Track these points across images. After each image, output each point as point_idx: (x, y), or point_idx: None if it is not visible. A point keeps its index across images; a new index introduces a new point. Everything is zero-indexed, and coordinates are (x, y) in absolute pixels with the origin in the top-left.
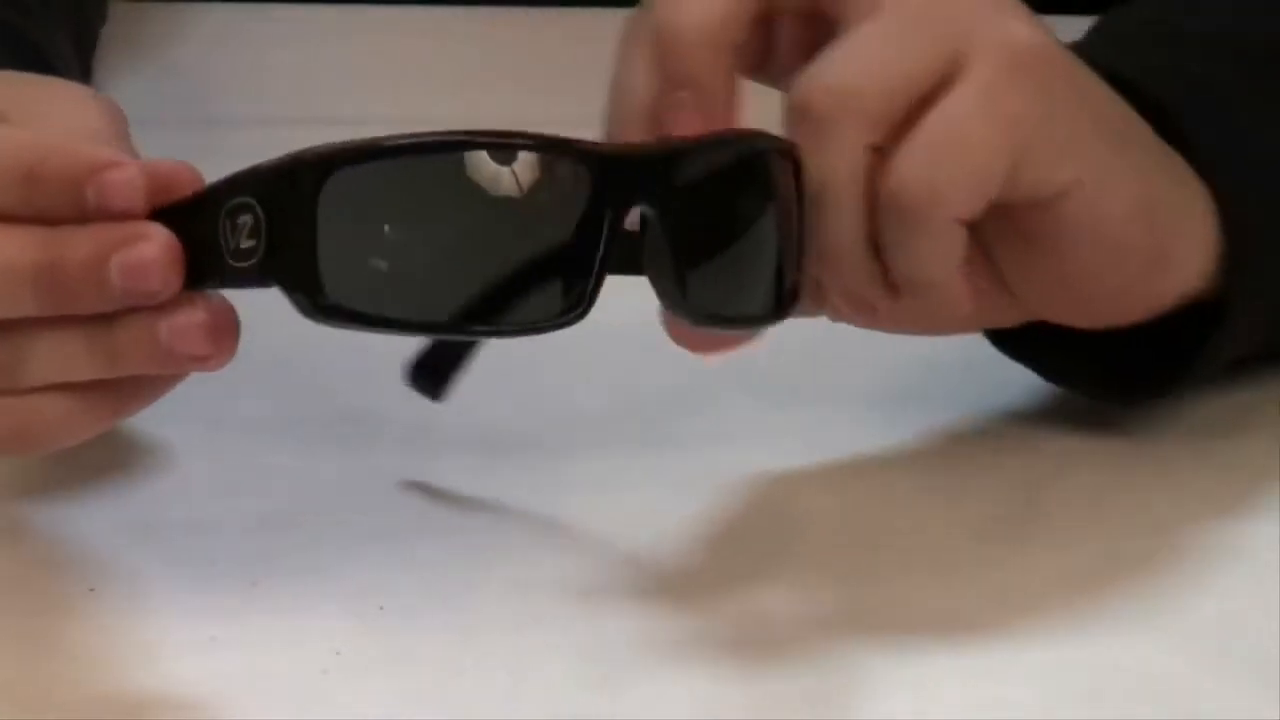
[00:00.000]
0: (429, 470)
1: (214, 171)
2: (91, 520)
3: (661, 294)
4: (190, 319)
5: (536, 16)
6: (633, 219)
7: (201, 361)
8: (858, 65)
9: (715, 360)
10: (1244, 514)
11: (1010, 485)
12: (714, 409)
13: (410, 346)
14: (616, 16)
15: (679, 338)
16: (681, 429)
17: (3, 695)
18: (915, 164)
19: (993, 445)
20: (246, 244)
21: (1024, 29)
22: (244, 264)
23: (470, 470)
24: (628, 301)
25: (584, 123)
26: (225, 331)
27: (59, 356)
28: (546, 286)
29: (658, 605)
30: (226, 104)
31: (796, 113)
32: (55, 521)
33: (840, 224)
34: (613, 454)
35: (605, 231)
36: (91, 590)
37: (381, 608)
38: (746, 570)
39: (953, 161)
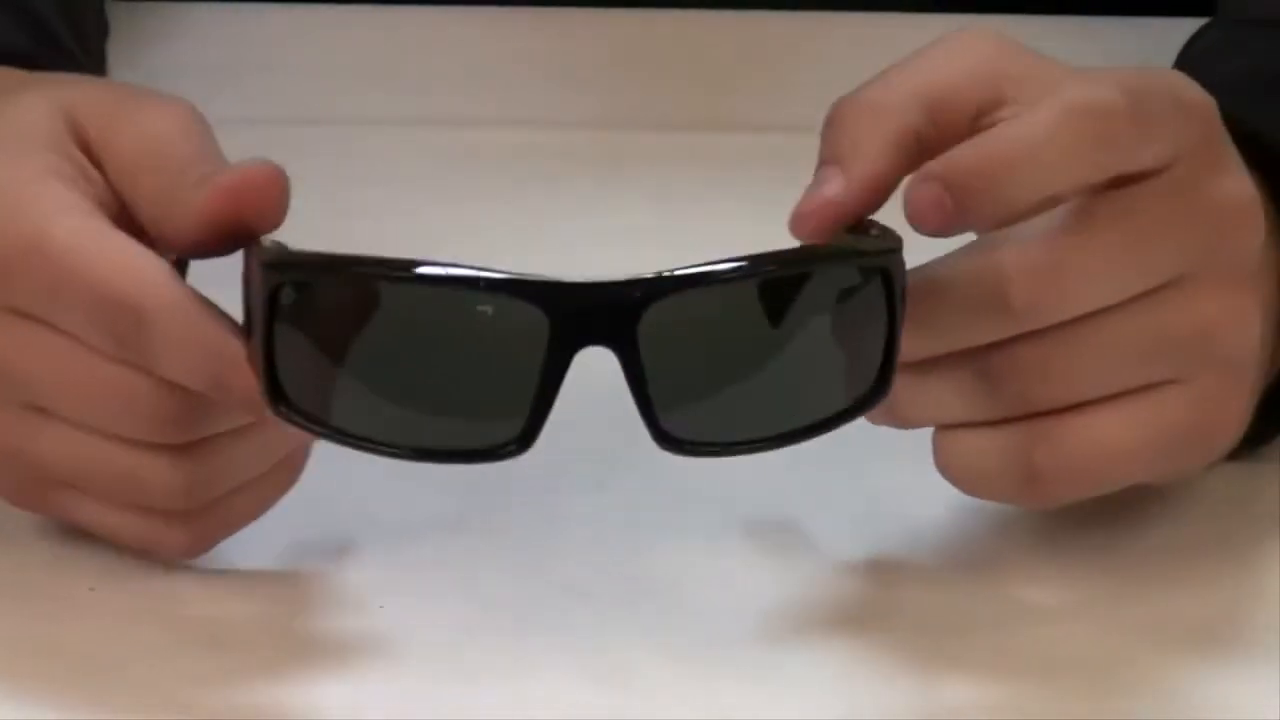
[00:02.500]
0: (429, 470)
1: None
2: None
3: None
4: None
5: (537, 16)
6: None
7: None
8: (1083, 279)
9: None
10: (1245, 513)
11: None
12: None
13: None
14: (617, 16)
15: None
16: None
17: (3, 695)
18: (1062, 479)
19: None
20: None
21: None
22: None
23: (470, 470)
24: None
25: (584, 122)
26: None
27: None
28: (496, 416)
29: (658, 605)
30: (226, 104)
31: (990, 286)
32: (55, 522)
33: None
34: (613, 453)
35: (555, 372)
36: (91, 590)
37: (381, 607)
38: (749, 570)
39: (1096, 478)
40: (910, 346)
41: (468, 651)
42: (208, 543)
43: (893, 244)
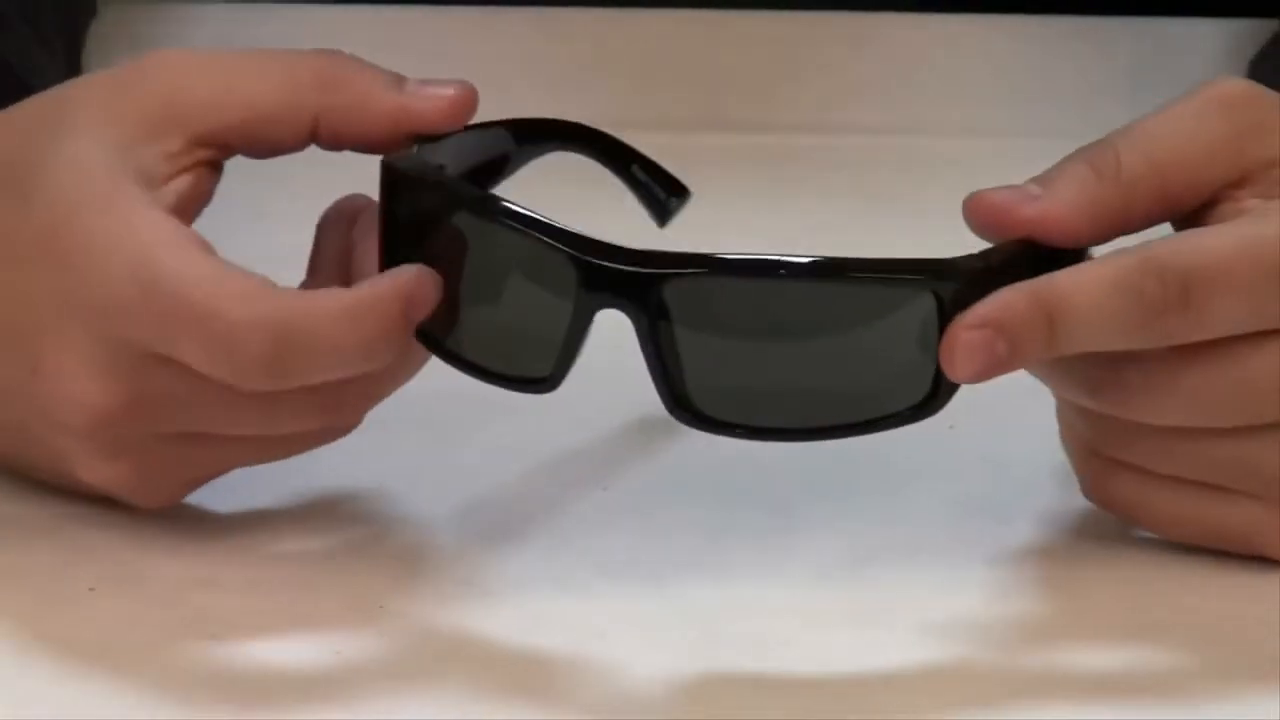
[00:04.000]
0: (429, 470)
1: None
2: (91, 520)
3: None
4: None
5: (537, 16)
6: None
7: None
8: (1184, 401)
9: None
10: None
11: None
12: None
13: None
14: (617, 16)
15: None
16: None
17: (3, 694)
18: (1105, 504)
19: None
20: None
21: None
22: None
23: (470, 470)
24: None
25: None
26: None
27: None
28: (533, 350)
29: (659, 605)
30: None
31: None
32: (55, 521)
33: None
34: (613, 454)
35: (580, 323)
36: (91, 590)
37: (381, 607)
38: (750, 570)
39: (1132, 521)
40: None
41: (468, 651)
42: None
43: (970, 265)
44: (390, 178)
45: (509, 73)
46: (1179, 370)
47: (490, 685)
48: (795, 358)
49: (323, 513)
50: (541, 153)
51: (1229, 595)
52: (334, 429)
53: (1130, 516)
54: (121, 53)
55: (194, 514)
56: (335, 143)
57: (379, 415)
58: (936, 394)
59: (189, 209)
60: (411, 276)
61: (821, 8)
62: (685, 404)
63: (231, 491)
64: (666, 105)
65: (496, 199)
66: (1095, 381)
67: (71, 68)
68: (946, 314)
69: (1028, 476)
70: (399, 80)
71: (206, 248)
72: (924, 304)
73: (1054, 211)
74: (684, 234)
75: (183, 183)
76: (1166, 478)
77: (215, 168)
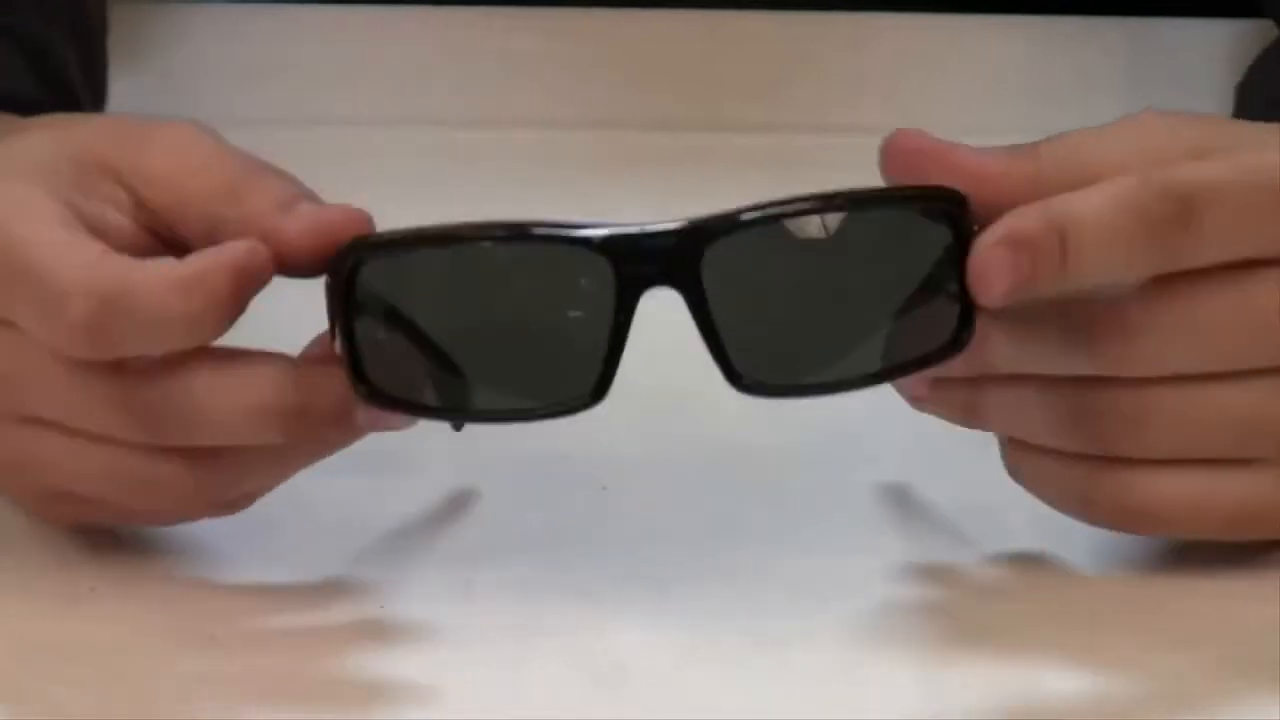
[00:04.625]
0: (429, 470)
1: None
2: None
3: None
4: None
5: (537, 16)
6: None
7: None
8: (1169, 346)
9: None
10: None
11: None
12: (712, 404)
13: None
14: (617, 16)
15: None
16: (685, 424)
17: (3, 695)
18: (1114, 517)
19: None
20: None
21: None
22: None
23: (470, 470)
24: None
25: (584, 122)
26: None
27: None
28: (569, 370)
29: (659, 605)
30: (226, 104)
31: (1078, 327)
32: (54, 521)
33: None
34: (613, 454)
35: (623, 318)
36: (91, 590)
37: (381, 607)
38: (751, 570)
39: (1148, 527)
40: (1005, 358)
41: (468, 651)
42: (237, 510)
43: (959, 195)
44: (353, 257)
45: (509, 73)
46: (1182, 302)
47: (490, 686)
48: (832, 307)
49: (322, 514)
50: None
51: (1229, 595)
52: (200, 494)
53: (1146, 519)
54: (124, 53)
55: None
56: None
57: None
58: (966, 325)
59: (90, 225)
60: (242, 250)
61: (821, 8)
62: (741, 374)
63: None
64: (666, 105)
65: (504, 223)
66: (1098, 323)
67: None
68: (963, 239)
69: None
70: (292, 201)
71: (67, 223)
72: (942, 231)
73: (994, 166)
74: None
75: (94, 207)
76: (1176, 464)
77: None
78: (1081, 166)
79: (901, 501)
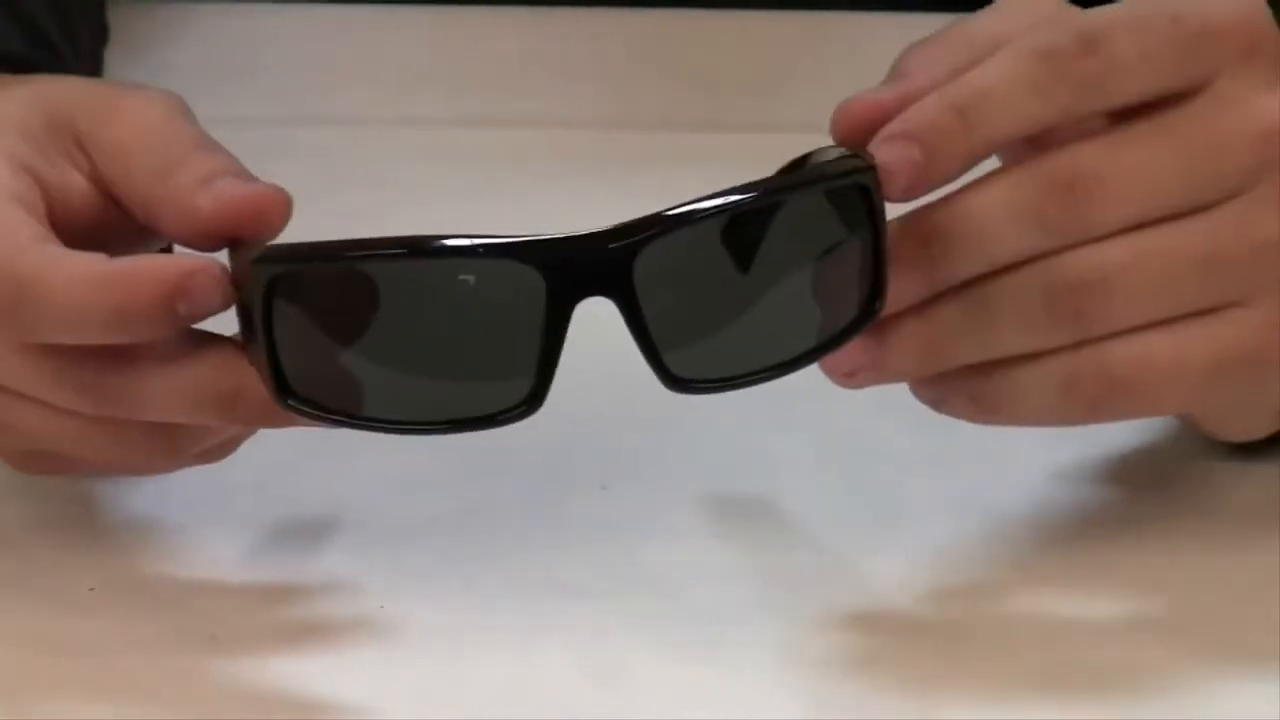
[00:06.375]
0: (429, 470)
1: None
2: (91, 520)
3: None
4: None
5: (537, 16)
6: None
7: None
8: (1116, 189)
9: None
10: (1245, 513)
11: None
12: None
13: None
14: (616, 16)
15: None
16: (685, 424)
17: (3, 695)
18: (1103, 392)
19: None
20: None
21: None
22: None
23: (470, 470)
24: None
25: (585, 122)
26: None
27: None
28: (502, 380)
29: (659, 605)
30: (226, 104)
31: (1026, 197)
32: (55, 521)
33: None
34: (614, 453)
35: (556, 329)
36: (91, 590)
37: (381, 607)
38: (752, 571)
39: (1140, 396)
40: (954, 268)
41: (468, 651)
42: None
43: (867, 162)
44: (270, 271)
45: (509, 73)
46: (1119, 150)
47: (490, 686)
48: (759, 294)
49: (322, 515)
50: None
51: (1229, 595)
52: (169, 454)
53: (1128, 388)
54: (123, 53)
55: (193, 515)
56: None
57: None
58: (879, 290)
59: (51, 189)
60: (184, 268)
61: (821, 8)
62: (674, 373)
63: (230, 490)
64: (666, 105)
65: (430, 237)
66: (1042, 191)
67: None
68: (875, 203)
69: (1027, 475)
70: (213, 178)
71: (15, 196)
72: (855, 199)
73: (903, 85)
74: None
75: (57, 168)
76: (1150, 327)
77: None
78: (979, 48)
79: (903, 502)
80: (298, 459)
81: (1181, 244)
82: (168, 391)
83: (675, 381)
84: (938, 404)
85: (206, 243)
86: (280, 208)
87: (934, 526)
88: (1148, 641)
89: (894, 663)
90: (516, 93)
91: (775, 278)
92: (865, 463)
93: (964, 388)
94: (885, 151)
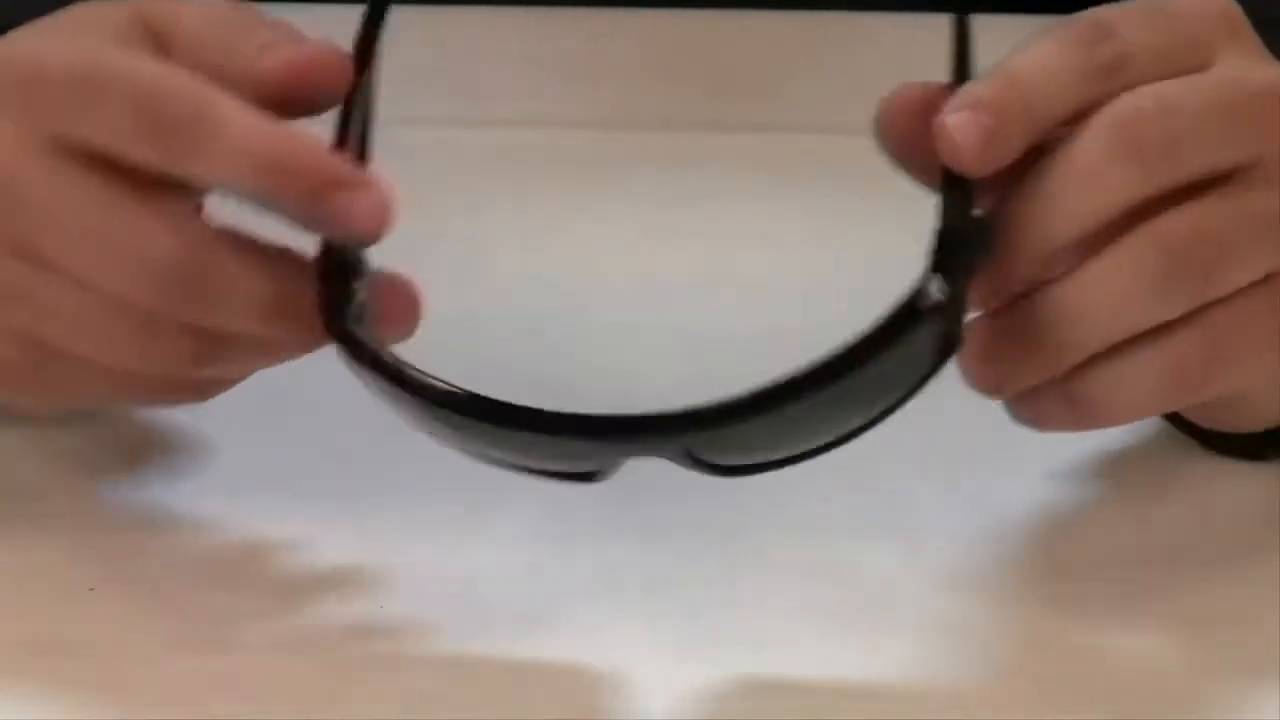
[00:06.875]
0: (428, 470)
1: None
2: (92, 520)
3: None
4: None
5: (536, 16)
6: None
7: None
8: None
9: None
10: (1245, 513)
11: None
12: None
13: None
14: (617, 17)
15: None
16: None
17: (3, 695)
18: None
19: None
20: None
21: None
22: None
23: (470, 470)
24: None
25: (585, 122)
26: None
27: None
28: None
29: (660, 605)
30: None
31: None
32: (55, 521)
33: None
34: None
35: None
36: (91, 590)
37: (381, 607)
38: (753, 571)
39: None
40: (1029, 262)
41: (468, 651)
42: (208, 397)
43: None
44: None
45: (509, 73)
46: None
47: (490, 686)
48: (816, 425)
49: (322, 516)
50: None
51: (1229, 595)
52: (186, 368)
53: (1237, 363)
54: None
55: (194, 514)
56: None
57: (378, 417)
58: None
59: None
60: (347, 178)
61: (821, 8)
62: (722, 465)
63: (230, 490)
64: (666, 105)
65: (499, 406)
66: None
67: None
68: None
69: (1027, 473)
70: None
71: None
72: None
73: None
74: (683, 236)
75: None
76: (1134, 342)
77: None
78: None
79: (904, 502)
80: (298, 458)
81: (1161, 229)
82: (262, 291)
83: (722, 470)
84: (1036, 421)
85: (274, 108)
86: (339, 65)
87: (934, 526)
88: (1149, 642)
89: (894, 661)
90: (516, 93)
91: (841, 408)
92: (865, 463)
93: (1061, 393)
94: (956, 120)
